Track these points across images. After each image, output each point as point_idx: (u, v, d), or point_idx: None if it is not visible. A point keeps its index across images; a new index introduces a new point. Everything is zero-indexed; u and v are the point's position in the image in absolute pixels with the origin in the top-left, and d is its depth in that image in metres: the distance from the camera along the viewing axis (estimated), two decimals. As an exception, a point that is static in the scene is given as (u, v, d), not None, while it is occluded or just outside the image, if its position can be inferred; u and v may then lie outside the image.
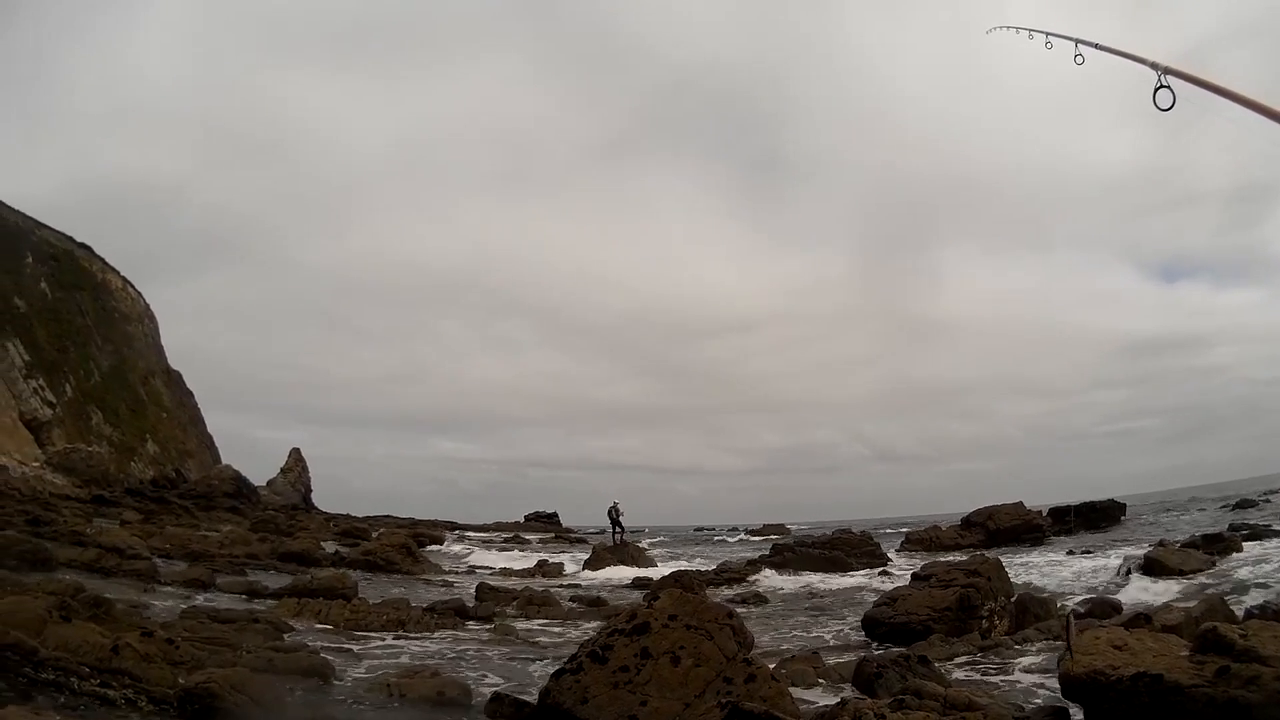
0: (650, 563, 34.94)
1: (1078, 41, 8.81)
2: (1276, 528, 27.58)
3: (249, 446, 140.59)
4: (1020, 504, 37.78)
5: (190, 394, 79.49)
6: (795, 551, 31.97)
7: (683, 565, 33.50)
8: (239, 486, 56.00)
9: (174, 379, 77.03)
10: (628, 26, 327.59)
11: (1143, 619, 12.22)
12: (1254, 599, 15.62)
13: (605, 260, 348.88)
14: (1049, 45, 9.74)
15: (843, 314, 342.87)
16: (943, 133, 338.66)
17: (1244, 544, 23.93)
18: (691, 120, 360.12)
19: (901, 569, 27.40)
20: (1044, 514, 39.53)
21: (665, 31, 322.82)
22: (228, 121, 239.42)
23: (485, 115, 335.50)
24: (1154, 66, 6.51)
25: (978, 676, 12.09)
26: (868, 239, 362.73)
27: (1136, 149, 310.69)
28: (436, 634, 15.96)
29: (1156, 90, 6.43)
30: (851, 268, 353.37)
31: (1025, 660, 12.98)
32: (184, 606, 15.63)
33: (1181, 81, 6.36)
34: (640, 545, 41.73)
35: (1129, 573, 21.02)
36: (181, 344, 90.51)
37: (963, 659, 13.26)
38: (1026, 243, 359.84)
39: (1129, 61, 7.26)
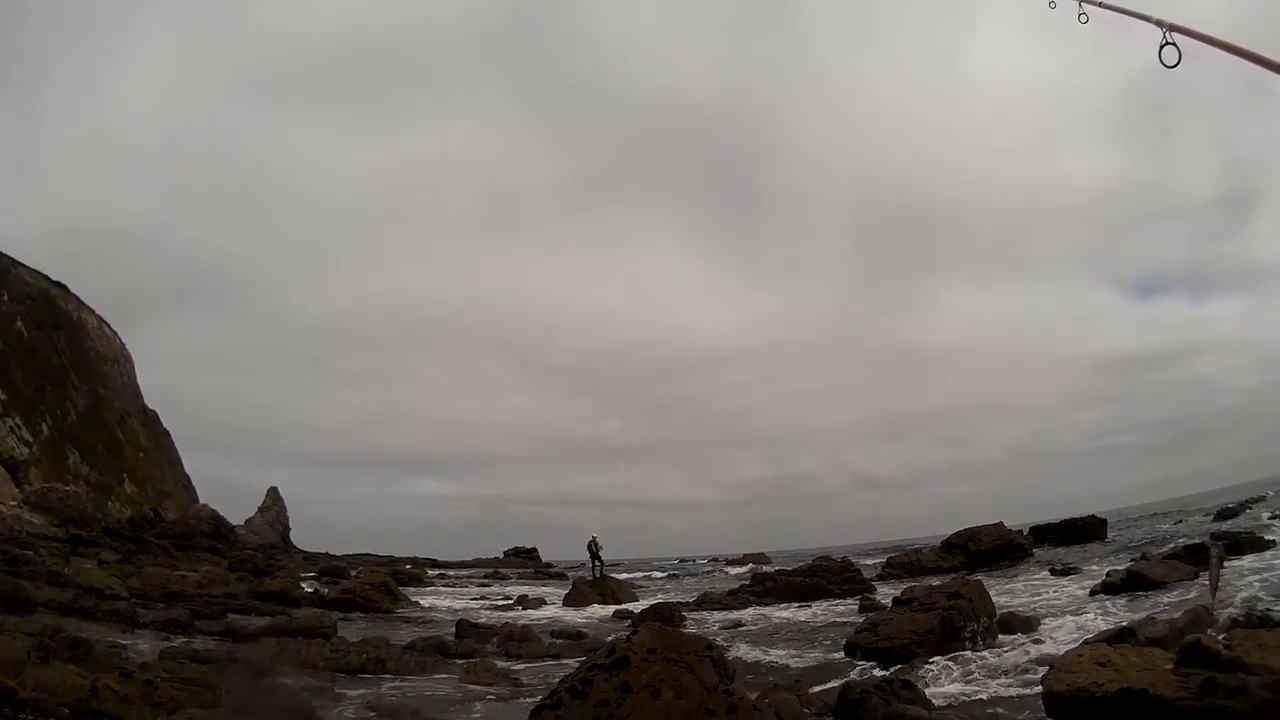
0: (630, 596, 34.72)
1: None
2: (1259, 535, 27.65)
3: (227, 487, 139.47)
4: (1001, 525, 37.71)
5: (167, 434, 79.04)
6: (776, 580, 31.83)
7: (663, 597, 33.33)
8: (217, 526, 55.63)
9: (150, 419, 76.55)
10: (607, 67, 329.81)
11: (1126, 633, 12.23)
12: (1237, 608, 15.67)
13: (585, 298, 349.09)
14: (1052, 4, 9.72)
15: (823, 345, 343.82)
16: (921, 160, 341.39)
17: (1226, 552, 23.92)
18: (671, 158, 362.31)
19: (883, 594, 27.32)
20: (1025, 534, 39.58)
21: (644, 72, 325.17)
22: (207, 163, 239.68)
23: (465, 156, 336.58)
24: (1159, 24, 6.50)
25: (962, 698, 12.07)
26: (848, 269, 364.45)
27: (1114, 165, 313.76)
28: (417, 672, 15.83)
29: (1162, 48, 6.43)
30: (832, 298, 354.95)
31: (1009, 680, 12.96)
32: (163, 647, 15.50)
33: (1187, 38, 6.38)
34: (620, 578, 41.54)
35: (1111, 589, 21.02)
36: (158, 385, 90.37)
37: (946, 681, 13.24)
38: (1006, 267, 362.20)
39: (1134, 20, 7.26)
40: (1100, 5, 8.31)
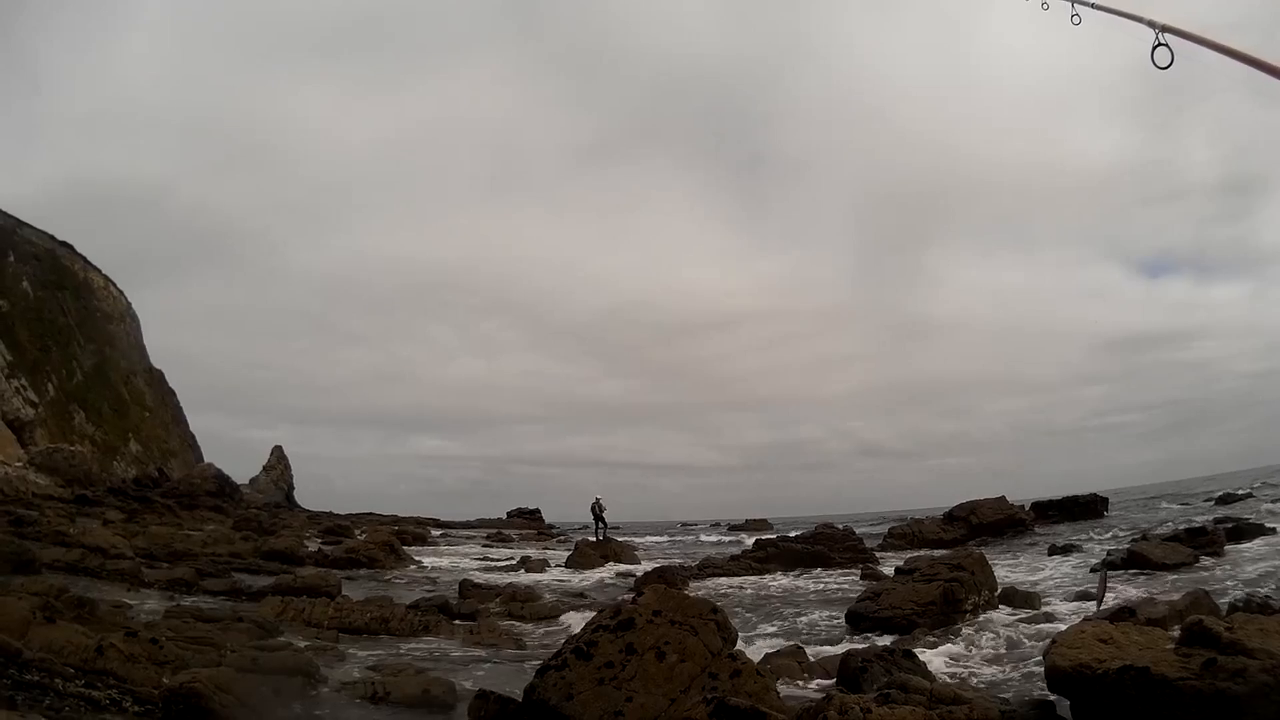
0: (633, 559, 34.83)
1: (1074, 1, 8.76)
2: (1259, 521, 27.69)
3: (231, 445, 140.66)
4: (1003, 498, 37.90)
5: (172, 393, 79.27)
6: (778, 547, 31.88)
7: (665, 561, 33.44)
8: (221, 485, 55.82)
9: (156, 378, 76.77)
10: (615, 28, 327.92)
11: (1127, 612, 12.27)
12: (1238, 592, 15.72)
13: (591, 259, 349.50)
14: (1045, 6, 9.63)
15: (828, 312, 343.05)
16: (931, 130, 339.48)
17: (1226, 537, 23.99)
18: (679, 121, 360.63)
19: (885, 564, 27.43)
20: (1027, 508, 39.67)
21: (653, 33, 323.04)
22: (213, 123, 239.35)
23: (472, 116, 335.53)
24: (1151, 24, 6.47)
25: (963, 670, 12.13)
26: (854, 238, 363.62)
27: (1122, 144, 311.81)
28: (421, 632, 15.91)
29: (1155, 49, 6.41)
30: (837, 266, 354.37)
31: (1011, 653, 13.02)
32: (168, 606, 15.57)
33: (1180, 39, 6.36)
34: (623, 541, 41.64)
35: (1112, 566, 21.07)
36: (164, 344, 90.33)
37: (947, 652, 13.29)
38: (1013, 240, 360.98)
39: (1126, 20, 7.24)
40: (1093, 6, 8.26)
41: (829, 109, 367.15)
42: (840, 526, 36.86)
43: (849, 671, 10.77)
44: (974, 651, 13.38)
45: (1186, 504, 46.41)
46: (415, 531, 48.48)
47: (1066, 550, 27.02)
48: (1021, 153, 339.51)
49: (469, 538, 52.61)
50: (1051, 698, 8.78)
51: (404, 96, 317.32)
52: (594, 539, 39.02)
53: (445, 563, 33.21)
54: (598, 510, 41.37)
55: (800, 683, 11.31)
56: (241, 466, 75.17)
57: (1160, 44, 6.38)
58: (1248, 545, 23.56)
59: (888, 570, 23.16)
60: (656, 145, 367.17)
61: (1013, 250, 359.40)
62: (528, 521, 70.98)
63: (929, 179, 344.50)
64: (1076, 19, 8.73)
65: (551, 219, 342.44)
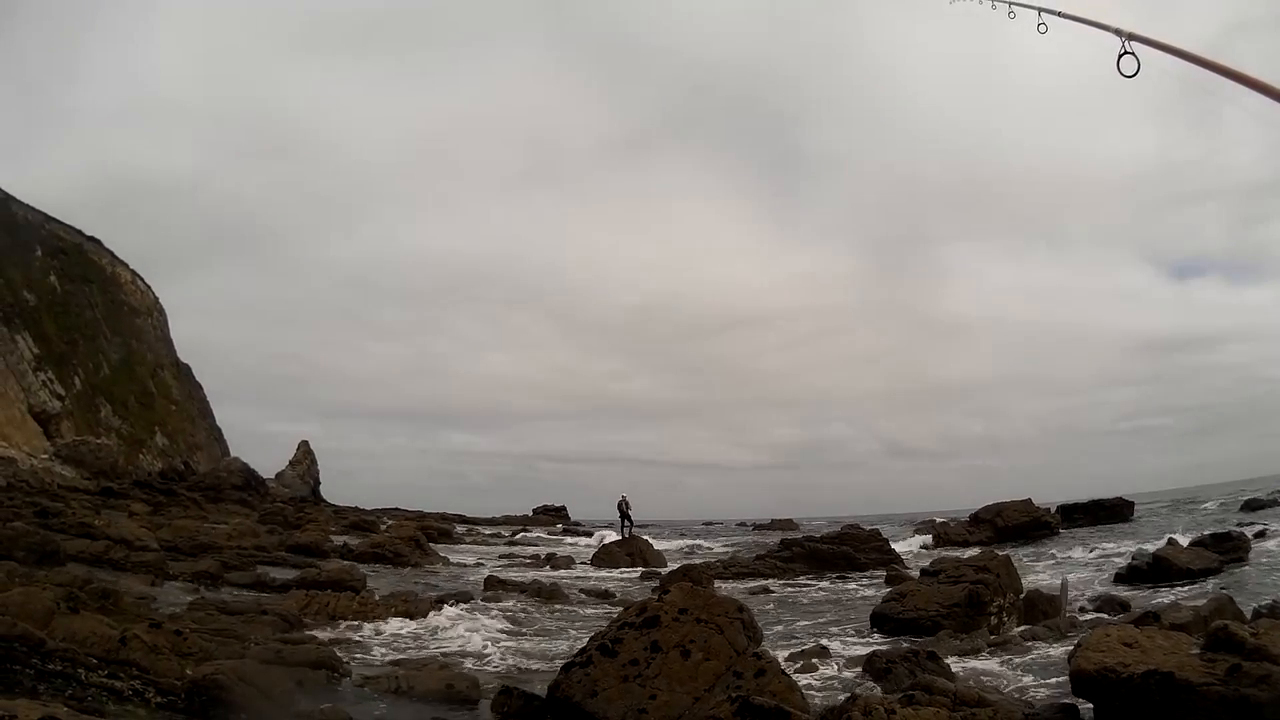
0: (659, 557, 34.77)
1: (1040, 10, 8.75)
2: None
3: (258, 439, 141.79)
4: (1029, 501, 37.72)
5: (199, 387, 79.83)
6: (804, 547, 31.81)
7: (691, 559, 33.43)
8: (247, 479, 56.22)
9: (183, 372, 77.27)
10: (647, 22, 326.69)
11: (1151, 617, 12.17)
12: (1263, 598, 15.56)
13: (620, 255, 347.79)
14: (1012, 15, 9.60)
15: (857, 310, 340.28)
16: (960, 128, 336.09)
17: (1253, 543, 23.78)
18: (709, 117, 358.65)
19: (910, 565, 27.33)
20: (1053, 511, 39.45)
21: (685, 28, 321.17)
22: (240, 115, 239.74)
23: (502, 109, 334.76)
24: (1117, 32, 6.48)
25: (987, 673, 12.05)
26: (883, 236, 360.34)
27: (1154, 144, 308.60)
28: (445, 627, 15.94)
29: (1120, 57, 6.41)
30: (866, 264, 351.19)
31: (1034, 657, 12.93)
32: (192, 599, 15.69)
33: (1146, 47, 6.35)
34: (649, 539, 41.67)
35: (1137, 571, 20.89)
36: (191, 337, 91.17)
37: (972, 655, 13.21)
38: (1041, 239, 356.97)
39: (1092, 29, 7.24)
40: (1058, 14, 8.25)
41: (860, 106, 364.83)
42: (866, 527, 36.71)
43: (874, 672, 10.75)
44: (998, 654, 13.30)
45: (1213, 509, 46.01)
46: (440, 527, 48.65)
47: (1091, 554, 26.87)
48: (1053, 151, 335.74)
49: (494, 534, 52.76)
50: (1075, 701, 8.72)
51: (435, 88, 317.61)
52: (620, 536, 39.05)
53: (470, 559, 33.32)
54: (624, 508, 41.53)
55: (825, 683, 11.27)
56: (268, 460, 75.71)
57: (1126, 52, 6.37)
58: (1274, 551, 23.34)
59: (913, 571, 23.06)
60: (687, 140, 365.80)
61: (1042, 249, 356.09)
62: (554, 518, 71.24)
63: (960, 177, 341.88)
64: (1043, 27, 8.76)
65: (582, 213, 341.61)
